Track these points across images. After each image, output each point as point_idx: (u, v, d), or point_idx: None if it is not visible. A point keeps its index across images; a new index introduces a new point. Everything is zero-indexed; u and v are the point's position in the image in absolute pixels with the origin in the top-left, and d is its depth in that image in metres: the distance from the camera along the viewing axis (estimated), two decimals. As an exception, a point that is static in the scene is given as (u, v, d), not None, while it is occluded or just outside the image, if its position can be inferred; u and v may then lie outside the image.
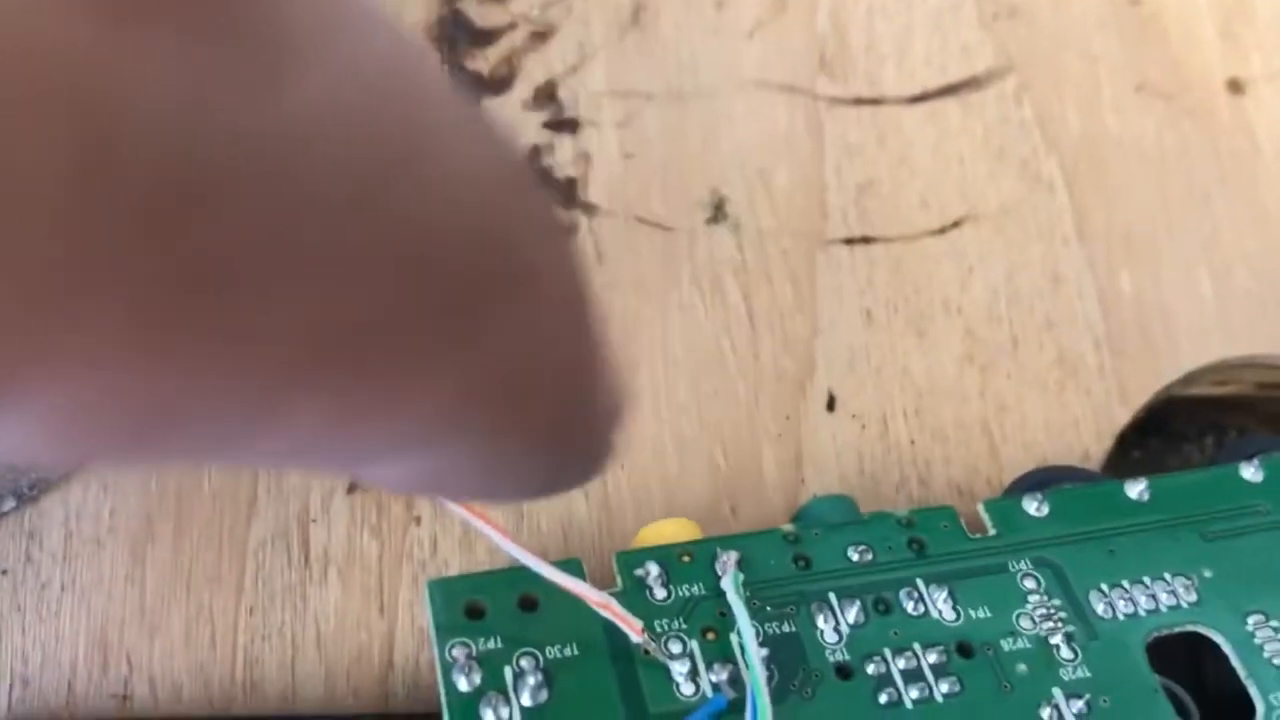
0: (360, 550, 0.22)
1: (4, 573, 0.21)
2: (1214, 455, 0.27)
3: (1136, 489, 0.21)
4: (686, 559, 0.20)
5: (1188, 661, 0.21)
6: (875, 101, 0.26)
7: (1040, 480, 0.22)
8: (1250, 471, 0.22)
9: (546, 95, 0.26)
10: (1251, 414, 0.27)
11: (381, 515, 0.22)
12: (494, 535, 0.17)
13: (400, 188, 0.09)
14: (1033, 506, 0.21)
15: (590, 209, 0.25)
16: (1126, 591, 0.20)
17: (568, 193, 0.25)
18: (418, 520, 0.22)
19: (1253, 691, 0.19)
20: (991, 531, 0.21)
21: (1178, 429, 0.27)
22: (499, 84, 0.26)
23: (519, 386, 0.10)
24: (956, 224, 0.25)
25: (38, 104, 0.07)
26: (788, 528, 0.20)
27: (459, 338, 0.09)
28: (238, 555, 0.22)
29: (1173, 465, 0.27)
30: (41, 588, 0.21)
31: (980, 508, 0.21)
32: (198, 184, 0.08)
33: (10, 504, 0.22)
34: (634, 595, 0.19)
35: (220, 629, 0.21)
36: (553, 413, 0.11)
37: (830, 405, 0.24)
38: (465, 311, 0.09)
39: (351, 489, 0.22)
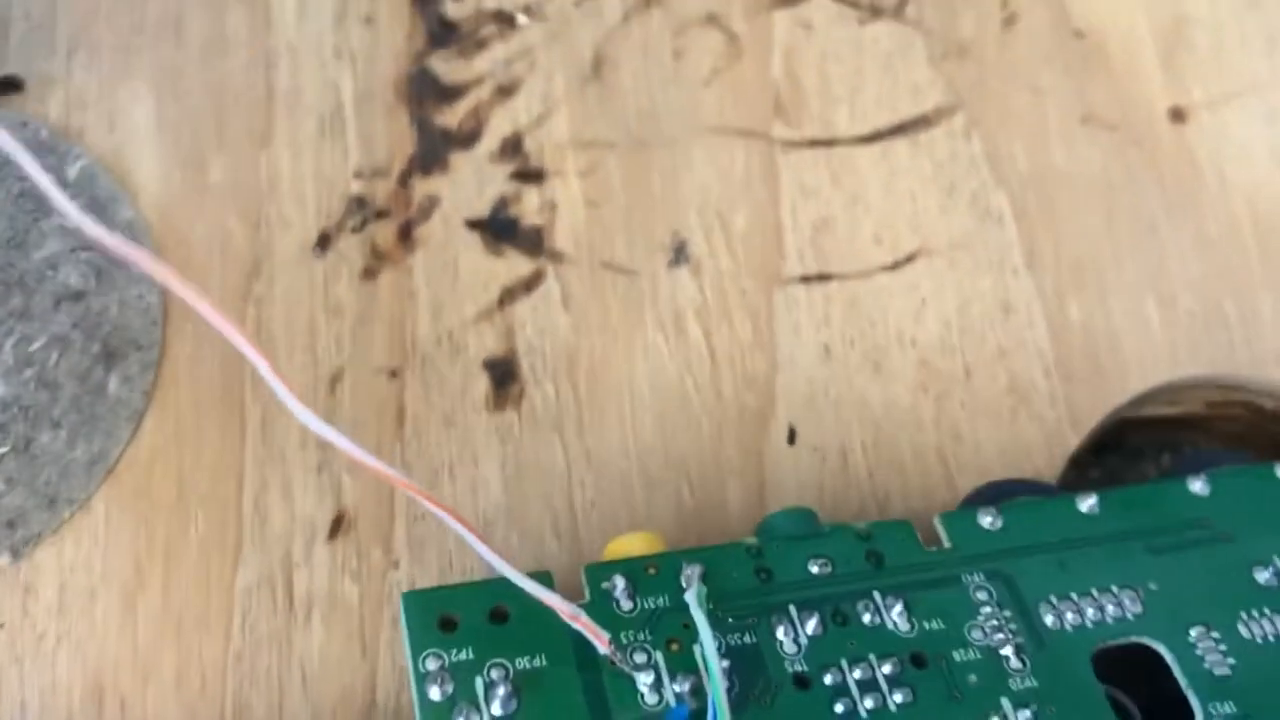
0: (342, 595, 0.23)
1: (1, 626, 0.22)
2: (1168, 470, 0.28)
3: (1087, 503, 0.22)
4: (652, 571, 0.20)
5: (1147, 672, 0.22)
6: (829, 143, 0.27)
7: (997, 493, 0.23)
8: (1197, 486, 0.23)
9: (513, 147, 0.27)
10: (1205, 430, 0.28)
11: (362, 560, 0.23)
12: (473, 541, 0.18)
13: None
14: (987, 520, 0.22)
15: (557, 256, 0.26)
16: (1075, 603, 0.21)
17: (535, 241, 0.26)
18: (396, 564, 0.23)
19: (1193, 701, 0.20)
20: (947, 544, 0.22)
21: (1135, 446, 0.28)
22: (467, 138, 0.27)
23: None
24: (910, 259, 0.26)
25: None
26: (750, 540, 0.21)
27: None
28: (225, 602, 0.22)
29: (1130, 482, 0.28)
30: (38, 639, 0.22)
31: (936, 520, 0.22)
32: None
33: (5, 559, 0.23)
34: (601, 607, 0.20)
35: (210, 673, 0.22)
36: None
37: (791, 439, 0.25)
38: None
39: (333, 535, 0.23)
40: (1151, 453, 0.28)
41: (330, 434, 0.16)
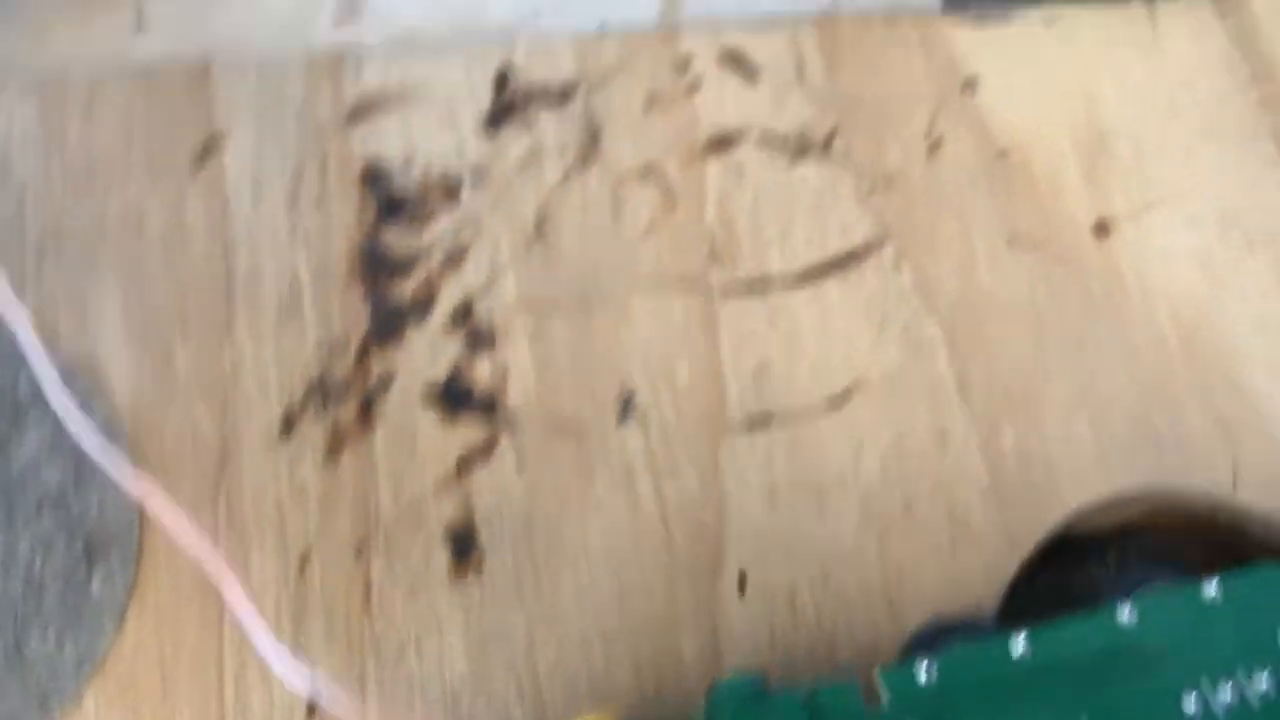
0: (319, 775, 0.24)
1: (1, 832, 0.24)
2: (1118, 570, 0.29)
3: (1019, 646, 0.23)
4: (605, 759, 0.22)
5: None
6: (763, 285, 0.29)
7: (934, 636, 0.24)
8: (1125, 614, 0.24)
9: (463, 314, 0.28)
10: (1150, 533, 0.29)
11: (336, 740, 0.24)
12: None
13: None
14: (923, 671, 0.23)
15: (510, 421, 0.27)
16: (1009, 750, 0.22)
17: (489, 406, 0.27)
18: (368, 742, 0.24)
19: (1120, 836, 0.21)
20: (885, 701, 0.23)
21: (1081, 548, 0.29)
22: (420, 308, 0.28)
23: None
24: (846, 396, 0.28)
25: None
26: (697, 716, 0.22)
27: None
28: (209, 792, 0.24)
29: (1079, 586, 0.29)
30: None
31: (876, 675, 0.23)
32: None
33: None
34: (560, 800, 0.21)
35: None
36: None
37: (741, 586, 0.26)
38: None
39: (310, 715, 0.24)
40: (1096, 554, 0.29)
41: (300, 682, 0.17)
